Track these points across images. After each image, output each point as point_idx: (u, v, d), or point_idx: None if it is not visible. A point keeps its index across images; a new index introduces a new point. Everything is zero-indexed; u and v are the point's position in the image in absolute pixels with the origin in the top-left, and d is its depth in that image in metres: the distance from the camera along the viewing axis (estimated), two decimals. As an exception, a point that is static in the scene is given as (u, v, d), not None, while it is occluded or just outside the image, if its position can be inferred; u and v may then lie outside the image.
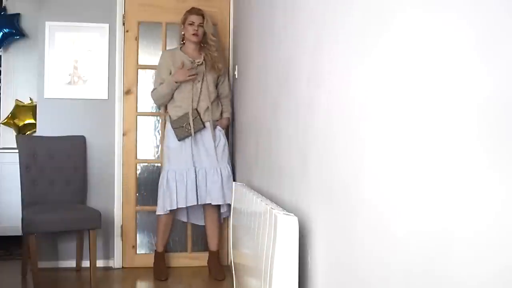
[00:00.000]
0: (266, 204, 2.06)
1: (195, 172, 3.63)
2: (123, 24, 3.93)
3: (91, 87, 3.93)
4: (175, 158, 3.63)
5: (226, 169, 3.67)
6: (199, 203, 3.65)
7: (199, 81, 3.65)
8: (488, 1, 0.89)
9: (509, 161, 0.82)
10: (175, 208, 3.60)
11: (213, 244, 3.79)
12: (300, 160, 2.05)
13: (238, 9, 3.84)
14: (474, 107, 0.92)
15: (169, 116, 3.69)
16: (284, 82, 2.36)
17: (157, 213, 3.69)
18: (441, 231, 1.01)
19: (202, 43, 3.73)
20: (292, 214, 1.82)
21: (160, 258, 3.77)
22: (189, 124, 3.57)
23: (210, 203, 3.65)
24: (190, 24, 3.66)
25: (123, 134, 3.95)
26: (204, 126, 3.64)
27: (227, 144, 3.74)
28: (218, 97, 3.78)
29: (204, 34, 3.69)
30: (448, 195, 0.99)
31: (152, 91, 3.75)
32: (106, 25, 3.92)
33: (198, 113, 3.62)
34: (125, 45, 3.94)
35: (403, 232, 1.17)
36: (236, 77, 3.82)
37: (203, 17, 3.67)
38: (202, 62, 3.67)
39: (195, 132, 3.60)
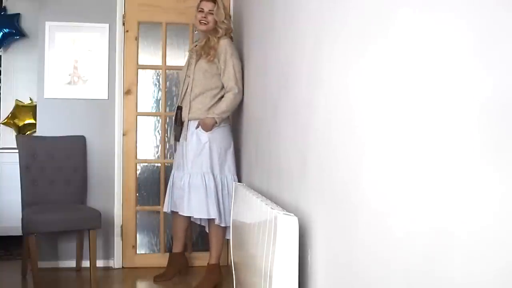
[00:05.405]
0: (266, 204, 2.06)
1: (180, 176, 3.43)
2: (123, 24, 3.93)
3: (91, 87, 3.93)
4: (175, 160, 3.60)
5: (195, 178, 3.30)
6: (173, 210, 3.50)
7: (190, 72, 3.43)
8: (487, 1, 0.89)
9: (508, 160, 0.82)
10: (165, 210, 3.58)
11: (210, 255, 3.44)
12: (299, 160, 2.05)
13: (238, 9, 3.84)
14: (473, 107, 0.92)
15: None
16: (283, 83, 2.36)
17: None
18: (441, 231, 1.01)
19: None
20: (292, 214, 1.82)
21: (170, 258, 3.67)
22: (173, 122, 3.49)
23: None
24: (200, 11, 3.39)
25: (123, 134, 3.95)
26: (182, 125, 3.40)
27: (204, 150, 3.32)
28: (213, 89, 3.39)
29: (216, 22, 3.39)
30: (447, 195, 0.99)
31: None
32: (106, 25, 3.92)
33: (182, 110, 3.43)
34: (125, 45, 3.94)
35: (403, 232, 1.17)
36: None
37: (215, 3, 3.38)
38: (193, 49, 3.50)
39: (175, 132, 3.47)
